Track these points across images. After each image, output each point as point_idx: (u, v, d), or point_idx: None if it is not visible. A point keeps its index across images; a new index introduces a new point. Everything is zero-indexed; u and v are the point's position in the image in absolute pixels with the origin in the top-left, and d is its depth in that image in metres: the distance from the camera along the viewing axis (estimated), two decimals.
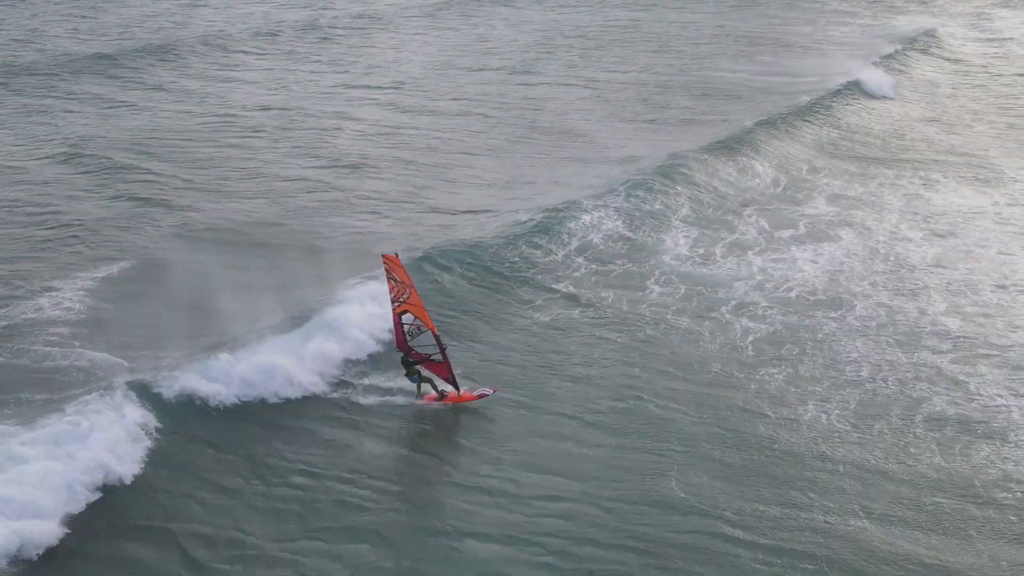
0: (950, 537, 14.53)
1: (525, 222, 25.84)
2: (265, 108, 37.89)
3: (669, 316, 21.61)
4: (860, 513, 15.01)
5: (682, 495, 15.40)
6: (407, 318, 18.35)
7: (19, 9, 55.70)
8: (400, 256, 18.57)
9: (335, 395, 18.29)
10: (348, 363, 19.15)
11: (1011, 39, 53.87)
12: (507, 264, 23.72)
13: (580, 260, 24.30)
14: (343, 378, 18.74)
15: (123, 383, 17.20)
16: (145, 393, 17.14)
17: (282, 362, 18.62)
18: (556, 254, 24.49)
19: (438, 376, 18.26)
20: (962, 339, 20.46)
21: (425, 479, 16.19)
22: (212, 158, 32.01)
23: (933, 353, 19.80)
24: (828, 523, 14.79)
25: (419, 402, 18.23)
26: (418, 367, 18.26)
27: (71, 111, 36.83)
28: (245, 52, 47.71)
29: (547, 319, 21.31)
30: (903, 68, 45.61)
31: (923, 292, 22.82)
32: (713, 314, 21.64)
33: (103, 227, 26.06)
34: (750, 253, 25.02)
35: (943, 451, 16.52)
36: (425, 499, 15.59)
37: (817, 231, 26.52)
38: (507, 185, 30.20)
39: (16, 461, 15.00)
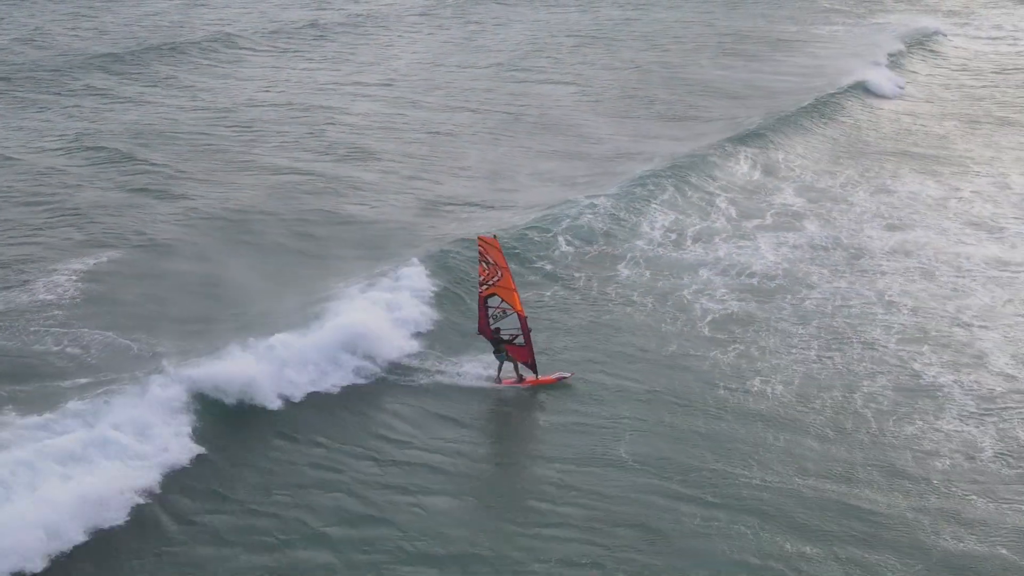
0: (880, 494, 15.47)
1: (533, 214, 26.77)
2: (267, 103, 38.43)
3: (635, 297, 22.66)
4: (796, 474, 15.99)
5: (631, 462, 16.33)
6: (493, 301, 18.76)
7: (23, 8, 56.46)
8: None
9: (394, 378, 18.76)
10: (401, 347, 19.58)
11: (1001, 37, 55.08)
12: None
13: (566, 248, 25.04)
14: (400, 361, 19.20)
15: (181, 365, 17.72)
16: (210, 376, 17.55)
17: (344, 342, 19.01)
18: (545, 241, 25.21)
19: (518, 359, 18.71)
20: (911, 322, 21.38)
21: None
22: (222, 150, 32.54)
23: (882, 334, 20.70)
24: (767, 482, 15.77)
25: (498, 385, 18.63)
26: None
27: (78, 106, 37.36)
28: (247, 49, 48.24)
29: (524, 296, 22.30)
30: (896, 65, 46.51)
31: (880, 278, 23.75)
32: (676, 295, 22.71)
33: (124, 215, 26.65)
34: (717, 239, 26.08)
35: (878, 421, 17.45)
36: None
37: (784, 221, 27.55)
38: (499, 179, 30.82)
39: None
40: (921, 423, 17.44)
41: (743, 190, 29.94)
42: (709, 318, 21.57)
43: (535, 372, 18.72)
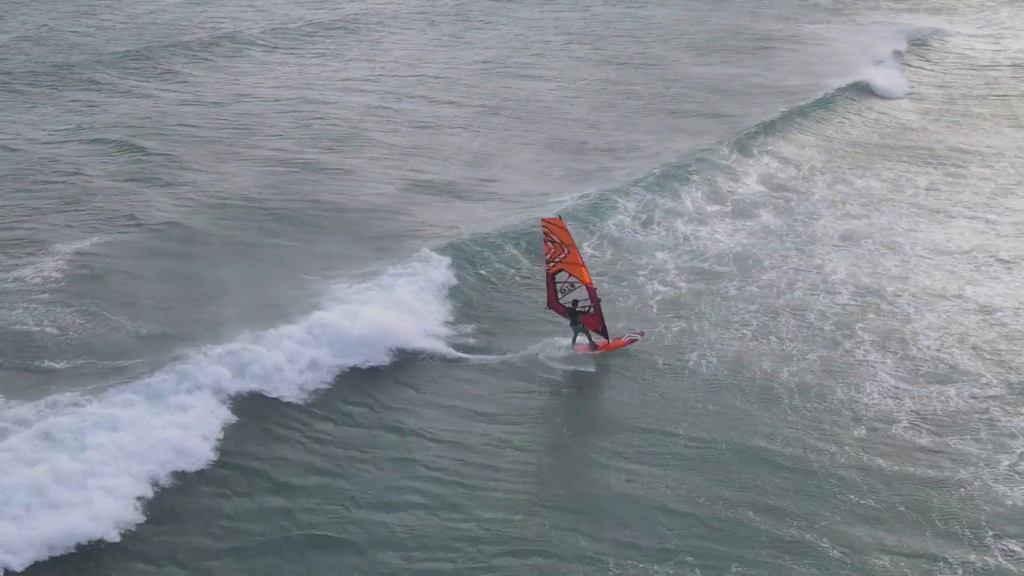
0: (799, 453, 16.64)
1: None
2: (280, 99, 39.27)
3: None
4: (721, 440, 17.10)
5: (566, 430, 17.55)
6: (560, 276, 20.13)
7: (30, 5, 57.52)
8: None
9: (442, 352, 19.97)
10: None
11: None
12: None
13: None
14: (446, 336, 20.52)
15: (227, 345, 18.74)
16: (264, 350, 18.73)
17: (387, 323, 20.01)
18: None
19: (590, 327, 20.03)
20: (850, 305, 22.45)
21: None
22: (226, 141, 33.50)
23: (819, 317, 21.68)
24: (692, 446, 16.92)
25: (574, 351, 19.90)
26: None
27: (79, 100, 38.33)
28: (247, 46, 49.00)
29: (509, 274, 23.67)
30: (899, 62, 47.08)
31: (828, 264, 24.81)
32: (631, 277, 23.82)
33: (149, 203, 27.65)
34: (679, 222, 27.21)
35: (803, 392, 18.55)
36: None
37: (743, 209, 28.67)
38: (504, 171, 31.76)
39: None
40: (843, 396, 18.51)
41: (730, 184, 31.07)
42: (658, 297, 22.83)
43: (606, 337, 20.12)
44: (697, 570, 13.98)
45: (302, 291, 22.02)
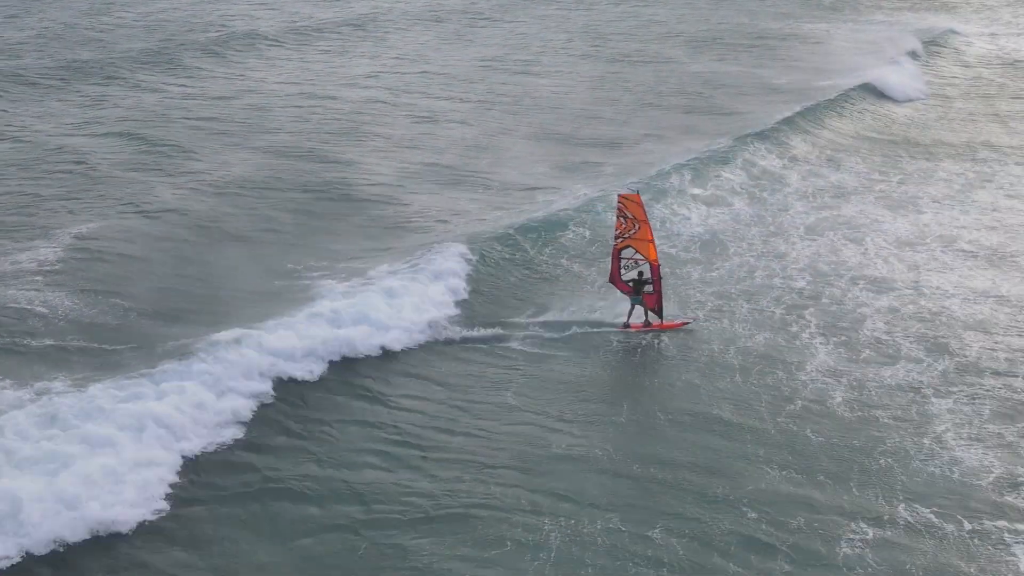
0: (730, 427, 17.75)
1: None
2: (296, 94, 40.54)
3: (563, 261, 25.00)
4: (662, 410, 18.28)
5: (514, 401, 18.67)
6: (626, 253, 21.07)
7: (59, 6, 58.90)
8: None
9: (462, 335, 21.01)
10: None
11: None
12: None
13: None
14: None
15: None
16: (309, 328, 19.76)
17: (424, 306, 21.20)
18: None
19: (647, 305, 20.96)
20: (805, 291, 23.51)
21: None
22: (246, 134, 34.63)
23: (772, 302, 22.77)
24: (634, 415, 18.12)
25: (629, 328, 20.90)
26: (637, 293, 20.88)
27: (110, 94, 39.55)
28: (275, 44, 50.31)
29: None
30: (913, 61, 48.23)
31: (789, 253, 25.89)
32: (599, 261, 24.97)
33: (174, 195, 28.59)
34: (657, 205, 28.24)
35: (744, 371, 19.63)
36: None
37: (720, 197, 29.79)
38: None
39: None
40: (783, 374, 19.59)
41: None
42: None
43: (660, 317, 21.05)
44: (623, 524, 15.11)
45: (303, 280, 23.01)
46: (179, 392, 17.38)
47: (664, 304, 21.35)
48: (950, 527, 15.40)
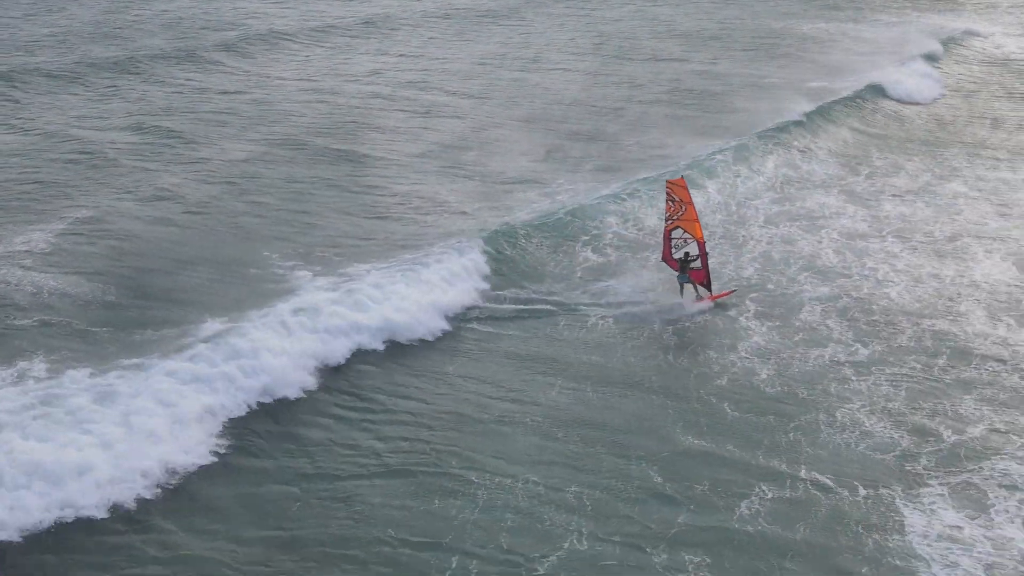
0: (655, 398, 19.12)
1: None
2: (306, 90, 41.89)
3: (532, 244, 26.41)
4: (594, 384, 19.70)
5: (456, 376, 20.08)
6: (676, 233, 22.76)
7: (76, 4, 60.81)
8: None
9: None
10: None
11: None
12: None
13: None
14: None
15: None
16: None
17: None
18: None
19: (696, 280, 22.72)
20: (752, 279, 24.75)
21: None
22: (264, 128, 35.92)
23: (718, 288, 23.95)
24: (567, 388, 19.55)
25: (695, 302, 22.54)
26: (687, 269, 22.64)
27: (132, 88, 41.17)
28: (292, 43, 51.64)
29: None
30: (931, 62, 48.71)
31: (746, 242, 27.17)
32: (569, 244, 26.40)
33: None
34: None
35: (677, 350, 21.03)
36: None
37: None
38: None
39: None
40: (715, 354, 20.94)
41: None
42: (587, 264, 25.47)
43: (710, 290, 22.72)
44: (544, 480, 16.59)
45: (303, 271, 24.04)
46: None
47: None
48: (845, 492, 16.72)
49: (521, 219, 27.44)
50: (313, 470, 17.17)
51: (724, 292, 23.37)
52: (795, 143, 35.63)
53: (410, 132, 36.34)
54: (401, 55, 49.86)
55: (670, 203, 22.98)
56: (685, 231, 22.81)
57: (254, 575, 14.64)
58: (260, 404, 18.77)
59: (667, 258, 23.30)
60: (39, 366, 18.87)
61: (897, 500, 16.65)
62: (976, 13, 64.74)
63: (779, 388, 19.72)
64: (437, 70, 46.51)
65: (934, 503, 16.65)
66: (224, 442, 17.50)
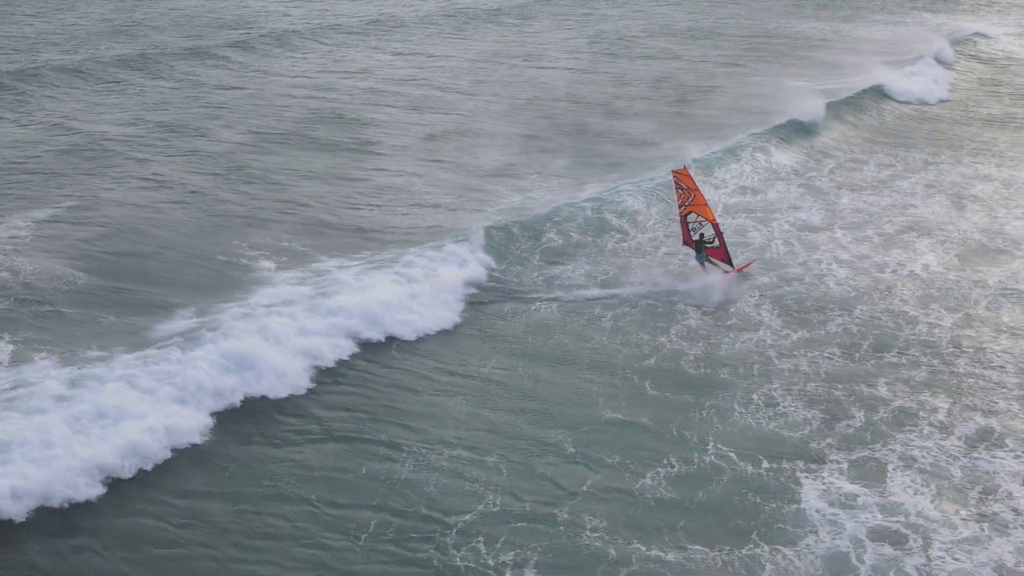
0: (581, 384, 20.23)
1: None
2: (306, 87, 43.39)
3: (499, 234, 27.63)
4: (527, 362, 20.94)
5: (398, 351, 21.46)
6: (691, 218, 24.27)
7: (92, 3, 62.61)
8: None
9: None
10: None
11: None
12: None
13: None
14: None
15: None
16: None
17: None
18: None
19: (716, 258, 24.33)
20: (697, 266, 25.82)
21: None
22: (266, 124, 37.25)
23: (661, 274, 25.17)
24: (499, 367, 20.70)
25: (713, 279, 24.08)
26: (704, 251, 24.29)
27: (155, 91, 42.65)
28: (296, 42, 53.04)
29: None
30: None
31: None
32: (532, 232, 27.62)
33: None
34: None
35: (613, 333, 22.12)
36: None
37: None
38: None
39: None
40: (648, 336, 22.06)
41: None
42: (549, 245, 26.89)
43: (731, 265, 24.30)
44: (465, 453, 17.77)
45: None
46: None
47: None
48: (748, 465, 17.77)
49: (490, 212, 28.73)
50: (256, 431, 18.45)
51: (745, 264, 25.08)
52: (773, 139, 36.43)
53: (400, 126, 37.64)
54: (397, 53, 51.22)
55: (679, 191, 24.48)
56: (699, 215, 24.33)
57: (185, 527, 15.91)
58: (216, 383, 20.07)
59: (687, 240, 24.95)
60: (3, 349, 19.70)
61: (798, 472, 17.66)
62: (971, 12, 65.30)
63: (703, 369, 20.82)
64: (431, 67, 47.84)
65: (833, 475, 17.63)
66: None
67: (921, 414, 19.62)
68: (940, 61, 49.63)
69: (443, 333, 22.30)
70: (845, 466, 17.91)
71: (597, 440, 18.29)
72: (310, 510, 16.34)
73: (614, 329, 22.43)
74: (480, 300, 23.91)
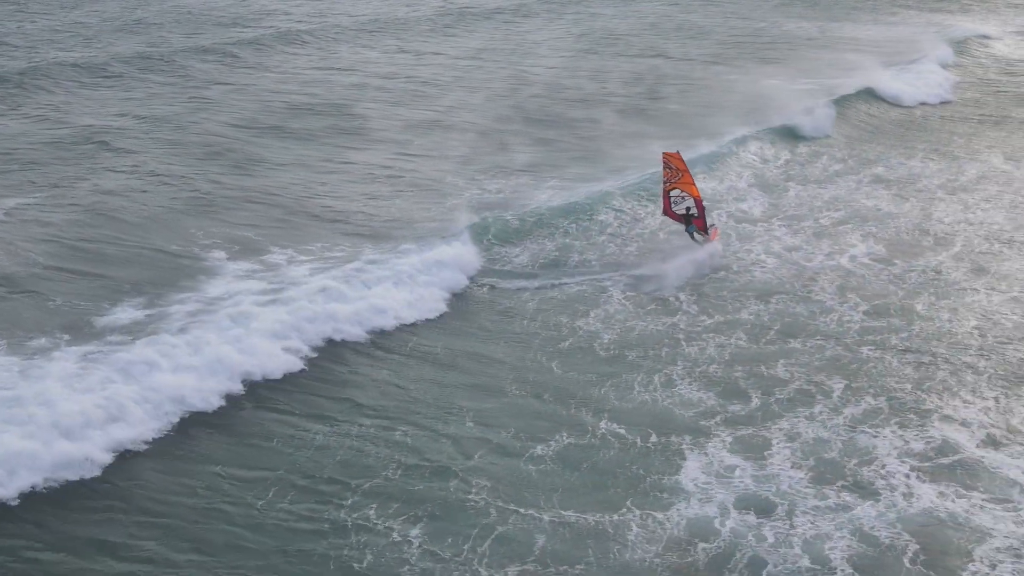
0: (494, 368, 21.54)
1: None
2: (300, 82, 44.96)
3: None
4: (445, 348, 22.24)
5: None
6: (674, 193, 26.39)
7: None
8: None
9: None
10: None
11: None
12: None
13: None
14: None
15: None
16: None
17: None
18: None
19: (698, 226, 26.53)
20: (631, 254, 27.03)
21: None
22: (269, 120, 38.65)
23: (601, 265, 26.43)
24: (425, 344, 22.07)
25: (705, 247, 26.37)
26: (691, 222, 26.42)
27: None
28: (296, 40, 54.46)
29: None
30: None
31: (637, 223, 29.41)
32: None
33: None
34: None
35: (534, 317, 23.37)
36: None
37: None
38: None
39: None
40: (567, 320, 23.23)
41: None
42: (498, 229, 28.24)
43: (707, 232, 26.70)
44: (373, 428, 19.08)
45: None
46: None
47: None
48: (637, 440, 18.93)
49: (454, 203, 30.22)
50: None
51: (714, 231, 27.35)
52: (750, 140, 36.97)
53: (384, 120, 39.04)
54: (388, 50, 52.64)
55: (667, 170, 26.47)
56: (682, 191, 26.44)
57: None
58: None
59: (667, 211, 27.00)
60: None
61: (684, 447, 18.78)
62: (963, 13, 65.71)
63: (612, 352, 22.03)
64: (419, 64, 49.19)
65: (717, 449, 18.80)
66: None
67: (818, 396, 20.67)
68: (924, 62, 50.10)
69: (378, 311, 23.52)
70: (729, 440, 19.04)
71: (498, 414, 19.58)
72: (215, 482, 17.63)
73: (535, 312, 23.70)
74: (433, 284, 24.98)
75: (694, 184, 26.45)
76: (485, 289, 25.09)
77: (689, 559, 16.05)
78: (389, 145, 36.28)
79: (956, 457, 18.75)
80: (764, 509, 17.16)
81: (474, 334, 22.82)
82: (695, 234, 26.78)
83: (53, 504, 16.65)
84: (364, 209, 29.77)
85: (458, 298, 24.61)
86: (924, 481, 18.05)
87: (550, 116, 40.33)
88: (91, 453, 17.56)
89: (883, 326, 23.51)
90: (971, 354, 22.29)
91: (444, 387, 20.65)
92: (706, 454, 18.65)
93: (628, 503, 17.32)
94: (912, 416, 19.96)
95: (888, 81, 45.24)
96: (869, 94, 43.75)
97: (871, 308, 24.34)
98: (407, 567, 15.70)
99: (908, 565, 16.00)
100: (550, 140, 37.21)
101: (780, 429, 19.50)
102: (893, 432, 19.46)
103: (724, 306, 24.30)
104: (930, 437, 19.27)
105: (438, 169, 33.54)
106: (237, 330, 21.40)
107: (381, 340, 22.48)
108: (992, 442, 19.22)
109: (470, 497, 17.26)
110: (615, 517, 16.93)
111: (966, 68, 50.98)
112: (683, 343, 22.45)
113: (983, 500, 17.58)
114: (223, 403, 19.78)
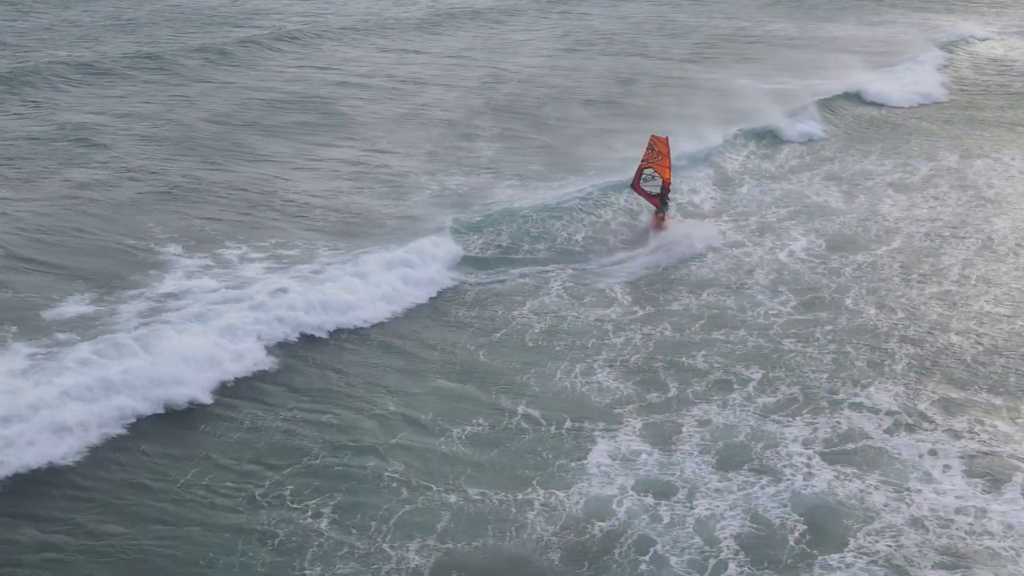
0: (424, 364, 22.44)
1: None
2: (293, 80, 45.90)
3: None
4: (372, 338, 23.21)
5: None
6: (648, 172, 27.92)
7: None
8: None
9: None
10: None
11: None
12: None
13: None
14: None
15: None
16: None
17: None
18: None
19: (653, 204, 28.52)
20: (578, 244, 27.82)
21: None
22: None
23: (555, 254, 27.46)
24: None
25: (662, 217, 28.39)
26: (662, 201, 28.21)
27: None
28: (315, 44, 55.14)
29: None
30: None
31: (592, 212, 30.18)
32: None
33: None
34: None
35: (467, 310, 24.21)
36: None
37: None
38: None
39: None
40: (502, 311, 23.96)
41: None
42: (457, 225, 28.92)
43: (664, 209, 28.54)
44: (301, 413, 19.91)
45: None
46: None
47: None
48: (551, 426, 19.69)
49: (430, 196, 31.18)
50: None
51: (667, 217, 28.84)
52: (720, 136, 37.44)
53: (365, 116, 40.00)
54: (380, 50, 53.51)
55: (649, 151, 28.00)
56: (656, 173, 27.89)
57: None
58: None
59: (635, 185, 28.58)
60: None
61: (596, 433, 19.55)
62: (956, 13, 66.03)
63: (542, 342, 22.83)
64: (405, 63, 50.01)
65: (627, 435, 19.61)
66: None
67: (735, 384, 21.40)
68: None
69: (324, 305, 24.38)
70: (639, 427, 19.82)
71: (419, 402, 20.41)
72: (141, 458, 18.56)
73: (472, 303, 24.54)
74: (385, 279, 25.70)
75: (669, 169, 28.00)
76: (435, 283, 25.79)
77: (585, 537, 16.85)
78: (360, 142, 37.13)
79: (861, 443, 19.47)
80: (663, 492, 17.91)
81: (414, 325, 23.68)
82: (657, 213, 28.48)
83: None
84: (325, 204, 30.64)
85: (405, 292, 25.33)
86: (825, 465, 18.75)
87: (521, 112, 41.10)
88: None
89: (810, 319, 24.20)
90: (891, 344, 22.97)
91: (376, 372, 21.53)
92: (615, 440, 19.42)
93: (533, 483, 18.11)
94: (824, 404, 20.68)
95: (870, 82, 45.79)
96: (846, 97, 44.22)
97: (800, 302, 25.05)
98: (316, 543, 16.55)
99: (792, 544, 16.74)
100: (518, 136, 37.98)
101: (693, 416, 20.22)
102: (803, 420, 20.17)
103: (657, 298, 25.07)
104: (837, 423, 19.99)
105: (403, 165, 34.38)
106: (178, 319, 22.31)
107: (320, 331, 23.26)
108: (898, 428, 19.92)
109: (385, 476, 18.13)
110: (519, 496, 17.75)
111: (950, 69, 51.36)
112: (610, 334, 23.24)
113: (878, 482, 18.30)
114: (161, 391, 20.61)
